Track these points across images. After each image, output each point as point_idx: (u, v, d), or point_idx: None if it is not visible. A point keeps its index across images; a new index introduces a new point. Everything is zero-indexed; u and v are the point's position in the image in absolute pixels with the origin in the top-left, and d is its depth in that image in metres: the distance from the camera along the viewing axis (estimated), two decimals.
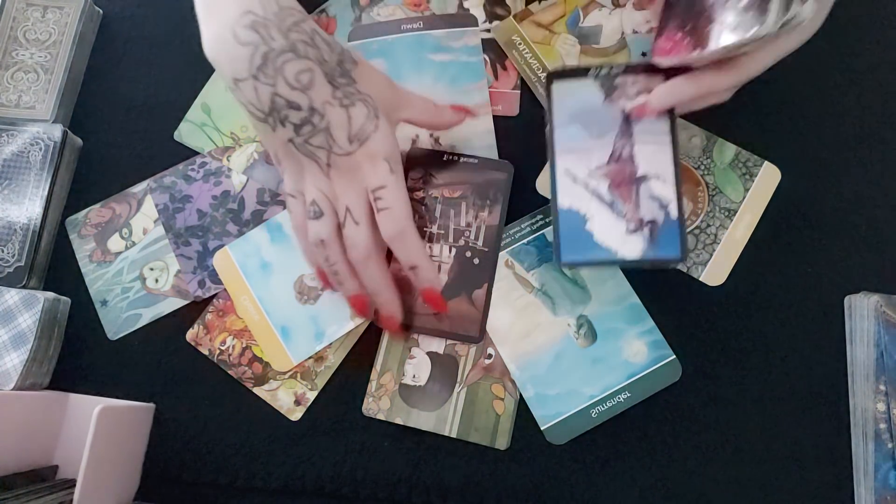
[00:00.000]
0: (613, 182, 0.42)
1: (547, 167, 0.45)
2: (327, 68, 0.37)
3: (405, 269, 0.41)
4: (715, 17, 0.37)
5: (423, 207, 0.47)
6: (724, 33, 0.37)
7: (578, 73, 0.44)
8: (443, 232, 0.46)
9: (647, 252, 0.41)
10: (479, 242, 0.46)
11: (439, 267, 0.46)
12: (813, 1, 0.36)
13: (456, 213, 0.47)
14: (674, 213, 0.41)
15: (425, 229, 0.46)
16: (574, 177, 0.43)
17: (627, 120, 0.43)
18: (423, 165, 0.47)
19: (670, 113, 0.42)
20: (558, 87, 0.44)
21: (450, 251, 0.46)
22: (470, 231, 0.46)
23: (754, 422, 0.44)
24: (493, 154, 0.48)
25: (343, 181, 0.38)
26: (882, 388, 0.42)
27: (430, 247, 0.46)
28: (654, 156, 0.42)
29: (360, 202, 0.39)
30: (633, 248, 0.41)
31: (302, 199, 0.40)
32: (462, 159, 0.47)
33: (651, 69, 0.42)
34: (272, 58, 0.35)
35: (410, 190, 0.46)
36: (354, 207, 0.39)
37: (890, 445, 0.41)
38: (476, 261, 0.46)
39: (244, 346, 0.46)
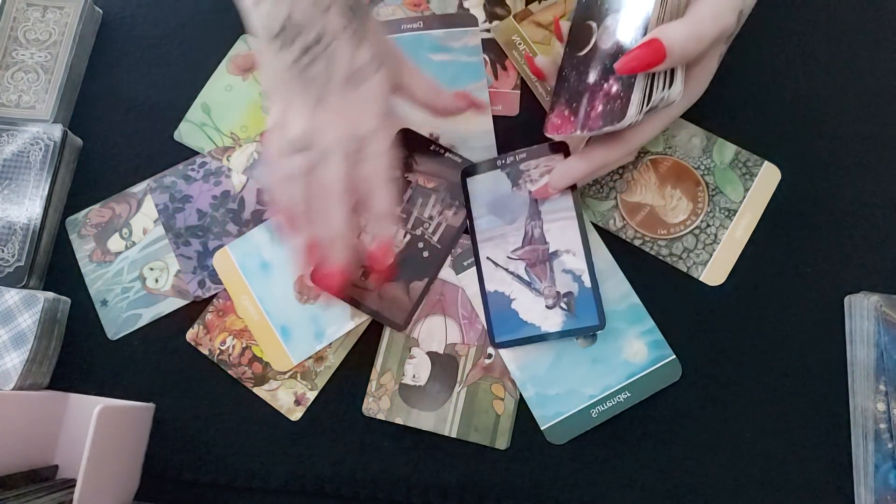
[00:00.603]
0: (529, 262, 0.45)
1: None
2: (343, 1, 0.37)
3: (368, 224, 0.40)
4: (589, 102, 0.39)
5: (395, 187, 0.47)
6: (593, 119, 0.39)
7: (488, 166, 0.47)
8: (404, 216, 0.47)
9: (566, 324, 0.44)
10: (435, 238, 0.46)
11: None
12: (679, 82, 0.37)
13: (423, 202, 0.47)
14: (587, 282, 0.44)
15: None
16: (495, 262, 0.45)
17: (535, 202, 0.46)
18: (408, 147, 0.48)
19: (572, 189, 0.45)
20: (472, 183, 0.47)
21: (404, 236, 0.47)
22: (430, 224, 0.47)
23: (754, 422, 0.44)
24: (492, 154, 0.48)
25: (331, 119, 0.38)
26: (882, 388, 0.42)
27: None
28: (562, 231, 0.45)
29: (344, 144, 0.38)
30: (554, 321, 0.44)
31: (282, 133, 0.39)
32: (447, 154, 0.48)
33: (553, 147, 0.46)
34: None
35: None
36: (337, 148, 0.38)
37: (890, 445, 0.41)
38: (426, 254, 0.46)
39: (244, 346, 0.46)
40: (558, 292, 0.44)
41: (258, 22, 0.37)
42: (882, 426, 0.42)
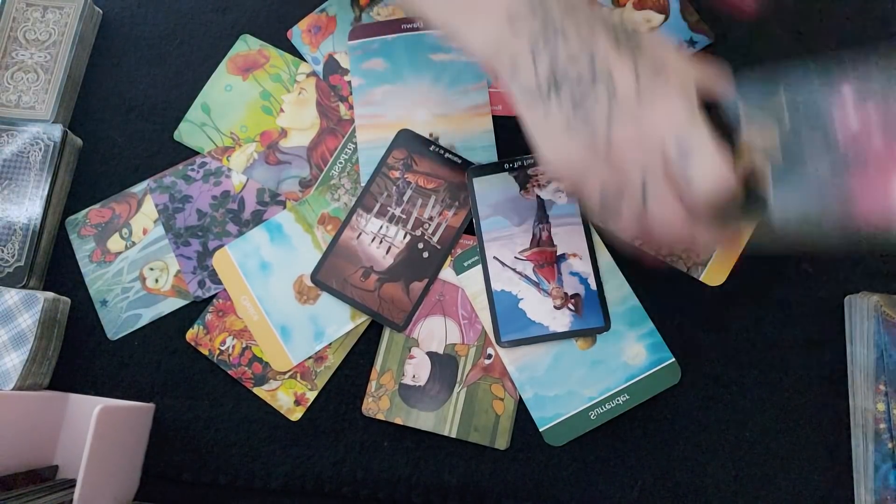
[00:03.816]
0: (537, 264, 0.45)
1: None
2: (604, 18, 0.34)
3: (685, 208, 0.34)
4: None
5: (395, 188, 0.47)
6: None
7: (494, 168, 0.47)
8: (404, 217, 0.47)
9: (574, 324, 0.44)
10: (435, 238, 0.46)
11: (388, 249, 0.46)
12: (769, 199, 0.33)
13: (423, 203, 0.47)
14: (593, 284, 0.45)
15: (389, 209, 0.47)
16: (502, 262, 0.46)
17: (543, 206, 0.46)
18: (408, 148, 0.48)
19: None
20: (479, 183, 0.47)
21: (404, 237, 0.47)
22: (430, 225, 0.47)
23: (754, 422, 0.44)
24: (493, 155, 0.48)
25: (630, 151, 0.33)
26: (882, 388, 0.42)
27: (386, 227, 0.47)
28: (569, 235, 0.46)
29: (658, 170, 0.33)
30: (562, 321, 0.44)
31: (589, 200, 0.35)
32: (447, 155, 0.48)
33: None
34: (550, 22, 0.33)
35: (389, 168, 0.47)
36: (653, 178, 0.33)
37: (890, 445, 0.41)
38: (426, 255, 0.46)
39: (244, 346, 0.46)
40: (566, 293, 0.45)
41: (522, 93, 0.34)
42: (882, 426, 0.42)
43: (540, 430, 0.44)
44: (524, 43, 0.33)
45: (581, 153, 0.34)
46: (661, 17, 0.50)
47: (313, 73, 0.51)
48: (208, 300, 0.47)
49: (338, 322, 0.46)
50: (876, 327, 0.43)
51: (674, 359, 0.44)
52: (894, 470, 0.41)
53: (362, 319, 0.46)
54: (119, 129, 0.52)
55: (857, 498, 0.42)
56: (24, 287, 0.47)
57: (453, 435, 0.44)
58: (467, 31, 0.35)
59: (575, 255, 0.45)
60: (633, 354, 0.44)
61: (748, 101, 0.35)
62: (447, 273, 0.46)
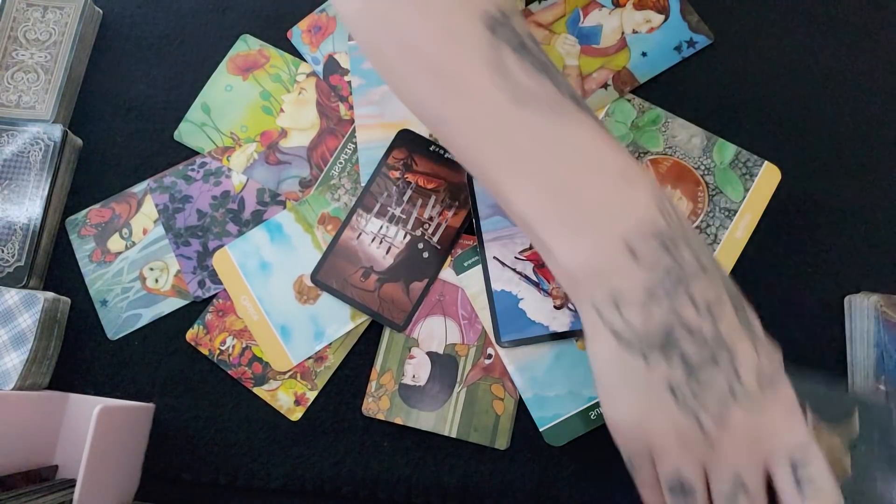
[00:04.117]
0: (537, 264, 0.45)
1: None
2: (728, 287, 0.30)
3: None
4: None
5: (395, 188, 0.47)
6: None
7: None
8: (404, 217, 0.47)
9: (574, 324, 0.44)
10: (435, 238, 0.46)
11: (388, 249, 0.46)
12: None
13: (423, 203, 0.47)
14: None
15: (389, 209, 0.47)
16: (502, 262, 0.45)
17: None
18: (409, 149, 0.48)
19: None
20: (478, 184, 0.47)
21: (404, 237, 0.47)
22: (430, 225, 0.47)
23: None
24: None
25: (737, 442, 0.29)
26: (882, 387, 0.42)
27: (386, 227, 0.46)
28: None
29: (758, 472, 0.29)
30: (562, 321, 0.44)
31: (650, 461, 0.31)
32: (447, 155, 0.48)
33: None
34: (680, 276, 0.29)
35: (389, 168, 0.47)
36: (751, 480, 0.29)
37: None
38: (426, 255, 0.46)
39: (244, 346, 0.46)
40: (565, 294, 0.45)
41: (620, 325, 0.29)
42: None
43: (540, 430, 0.44)
44: (641, 278, 0.29)
45: (671, 425, 0.29)
46: (661, 17, 0.50)
47: (313, 73, 0.51)
48: (208, 300, 0.47)
49: (338, 322, 0.46)
50: (876, 327, 0.43)
51: None
52: None
53: (362, 319, 0.46)
54: (119, 129, 0.52)
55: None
56: (24, 287, 0.47)
57: (453, 435, 0.44)
58: (563, 241, 0.31)
59: None
60: None
61: (821, 415, 0.34)
62: (447, 273, 0.46)
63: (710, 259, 0.31)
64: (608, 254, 0.30)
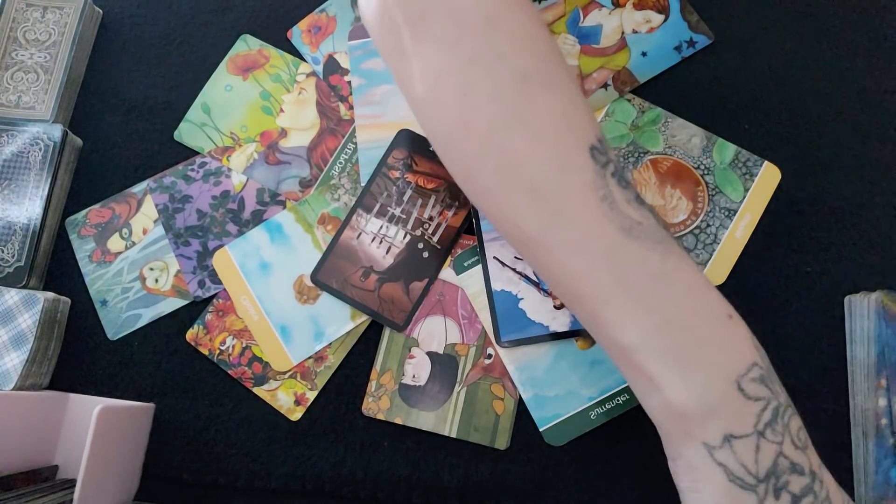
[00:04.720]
0: None
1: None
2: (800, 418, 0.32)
3: None
4: None
5: (395, 188, 0.47)
6: None
7: None
8: (404, 217, 0.47)
9: (574, 324, 0.44)
10: (435, 238, 0.46)
11: (388, 249, 0.46)
12: None
13: (423, 203, 0.47)
14: None
15: (389, 209, 0.47)
16: (502, 262, 0.45)
17: None
18: (409, 148, 0.48)
19: None
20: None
21: (404, 237, 0.47)
22: (430, 225, 0.47)
23: None
24: None
25: None
26: (883, 383, 0.42)
27: (386, 227, 0.46)
28: None
29: None
30: (562, 321, 0.44)
31: None
32: None
33: None
34: (781, 412, 0.30)
35: (389, 168, 0.47)
36: None
37: (891, 441, 0.41)
38: (426, 254, 0.46)
39: (244, 346, 0.46)
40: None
41: (730, 461, 0.30)
42: (883, 422, 0.42)
43: (540, 430, 0.44)
44: (752, 417, 0.30)
45: None
46: (661, 17, 0.50)
47: (313, 73, 0.51)
48: (208, 300, 0.47)
49: (338, 322, 0.46)
50: (877, 322, 0.43)
51: None
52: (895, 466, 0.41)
53: (362, 319, 0.46)
54: (119, 129, 0.52)
55: (857, 497, 0.42)
56: (24, 287, 0.47)
57: (453, 435, 0.44)
58: (674, 377, 0.31)
59: None
60: None
61: None
62: (447, 273, 0.46)
63: (778, 379, 0.32)
64: (722, 393, 0.30)
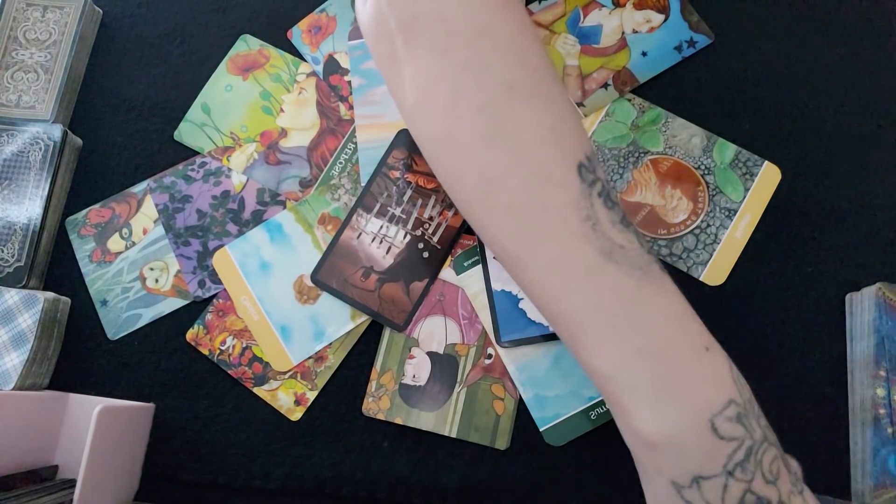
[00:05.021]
0: None
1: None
2: (777, 447, 0.31)
3: None
4: None
5: (395, 188, 0.47)
6: None
7: None
8: (404, 217, 0.47)
9: None
10: (435, 238, 0.46)
11: (388, 249, 0.46)
12: None
13: (423, 203, 0.47)
14: None
15: (389, 209, 0.47)
16: None
17: None
18: (409, 148, 0.48)
19: None
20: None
21: (404, 237, 0.47)
22: (430, 225, 0.47)
23: None
24: None
25: None
26: (882, 373, 0.42)
27: (386, 227, 0.47)
28: None
29: None
30: None
31: None
32: None
33: None
34: (755, 450, 0.30)
35: (389, 168, 0.47)
36: None
37: (889, 430, 0.41)
38: (426, 255, 0.46)
39: (244, 346, 0.46)
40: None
41: (693, 499, 0.30)
42: (881, 411, 0.42)
43: (540, 430, 0.44)
44: (723, 457, 0.29)
45: None
46: (662, 16, 0.50)
47: (313, 73, 0.51)
48: (208, 300, 0.47)
49: (338, 322, 0.46)
50: (877, 313, 0.43)
51: None
52: (894, 455, 0.41)
53: (362, 319, 0.46)
54: (119, 129, 0.52)
55: (855, 484, 0.42)
56: (24, 287, 0.47)
57: (453, 435, 0.44)
58: (645, 408, 0.30)
59: None
60: None
61: None
62: (447, 273, 0.46)
63: (760, 411, 0.31)
64: (693, 432, 0.29)
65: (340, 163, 0.49)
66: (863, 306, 0.44)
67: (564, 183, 0.31)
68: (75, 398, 0.46)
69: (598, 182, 0.32)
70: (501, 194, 0.32)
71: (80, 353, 0.47)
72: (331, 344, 0.46)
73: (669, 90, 0.49)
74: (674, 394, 0.30)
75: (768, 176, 0.47)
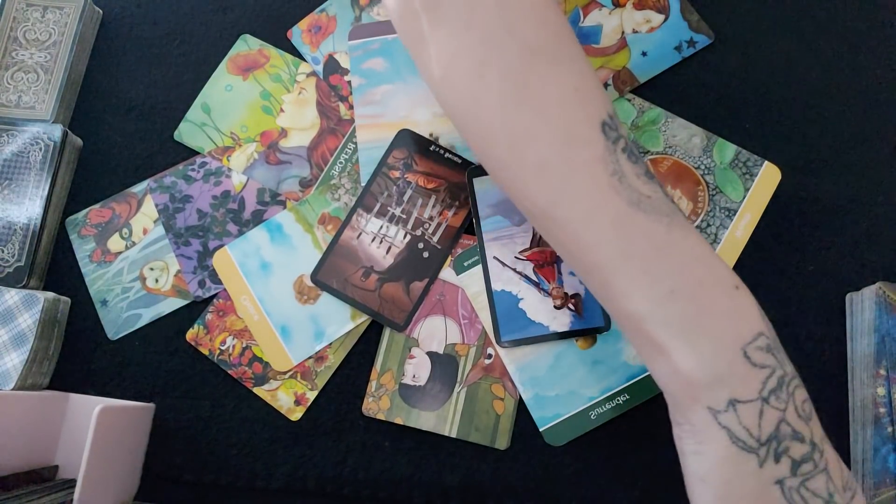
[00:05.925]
0: (537, 263, 0.45)
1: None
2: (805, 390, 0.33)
3: None
4: None
5: (395, 187, 0.47)
6: None
7: None
8: (404, 217, 0.47)
9: (574, 324, 0.44)
10: (435, 238, 0.46)
11: (388, 249, 0.46)
12: None
13: (423, 203, 0.47)
14: None
15: (389, 209, 0.47)
16: (502, 262, 0.46)
17: None
18: (409, 148, 0.48)
19: None
20: (479, 183, 0.47)
21: (404, 237, 0.47)
22: (430, 224, 0.47)
23: None
24: None
25: None
26: (882, 372, 0.42)
27: (386, 227, 0.46)
28: None
29: None
30: (562, 321, 0.44)
31: None
32: (447, 155, 0.48)
33: None
34: (786, 382, 0.31)
35: (389, 168, 0.47)
36: None
37: (890, 429, 0.41)
38: (426, 254, 0.46)
39: (244, 346, 0.46)
40: (566, 293, 0.45)
41: (732, 423, 0.31)
42: (882, 410, 0.42)
43: (540, 430, 0.44)
44: (757, 383, 0.31)
45: None
46: (661, 16, 0.50)
47: (313, 73, 0.51)
48: (208, 300, 0.47)
49: (338, 322, 0.46)
50: (877, 312, 0.43)
51: None
52: (894, 453, 0.41)
53: (362, 319, 0.46)
54: (119, 129, 0.52)
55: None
56: (24, 287, 0.47)
57: (454, 435, 0.44)
58: (681, 345, 0.31)
59: None
60: (633, 354, 0.44)
61: None
62: (447, 273, 0.46)
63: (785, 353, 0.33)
64: (728, 360, 0.31)
65: (340, 163, 0.49)
66: (863, 306, 0.44)
67: (590, 140, 0.33)
68: (75, 398, 0.46)
69: (621, 139, 0.33)
70: (531, 154, 0.33)
71: (80, 353, 0.47)
72: (331, 344, 0.46)
73: (669, 90, 0.49)
74: (708, 328, 0.31)
75: (768, 176, 0.47)
